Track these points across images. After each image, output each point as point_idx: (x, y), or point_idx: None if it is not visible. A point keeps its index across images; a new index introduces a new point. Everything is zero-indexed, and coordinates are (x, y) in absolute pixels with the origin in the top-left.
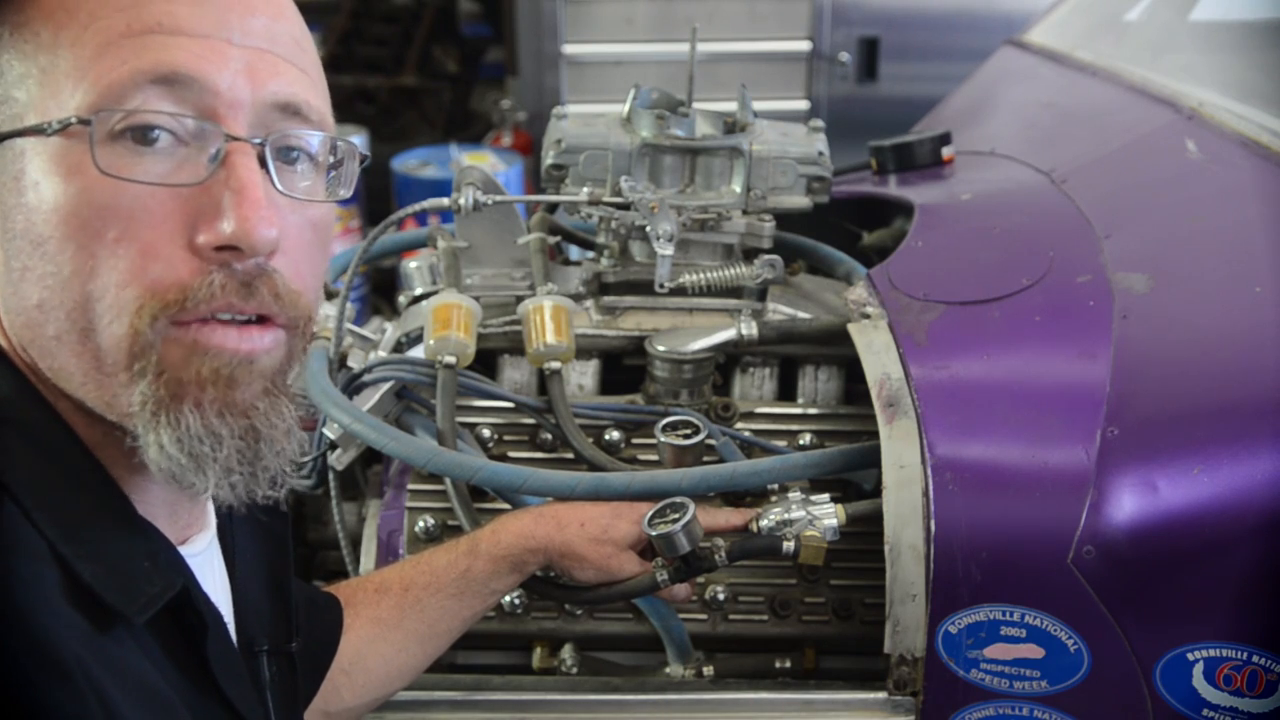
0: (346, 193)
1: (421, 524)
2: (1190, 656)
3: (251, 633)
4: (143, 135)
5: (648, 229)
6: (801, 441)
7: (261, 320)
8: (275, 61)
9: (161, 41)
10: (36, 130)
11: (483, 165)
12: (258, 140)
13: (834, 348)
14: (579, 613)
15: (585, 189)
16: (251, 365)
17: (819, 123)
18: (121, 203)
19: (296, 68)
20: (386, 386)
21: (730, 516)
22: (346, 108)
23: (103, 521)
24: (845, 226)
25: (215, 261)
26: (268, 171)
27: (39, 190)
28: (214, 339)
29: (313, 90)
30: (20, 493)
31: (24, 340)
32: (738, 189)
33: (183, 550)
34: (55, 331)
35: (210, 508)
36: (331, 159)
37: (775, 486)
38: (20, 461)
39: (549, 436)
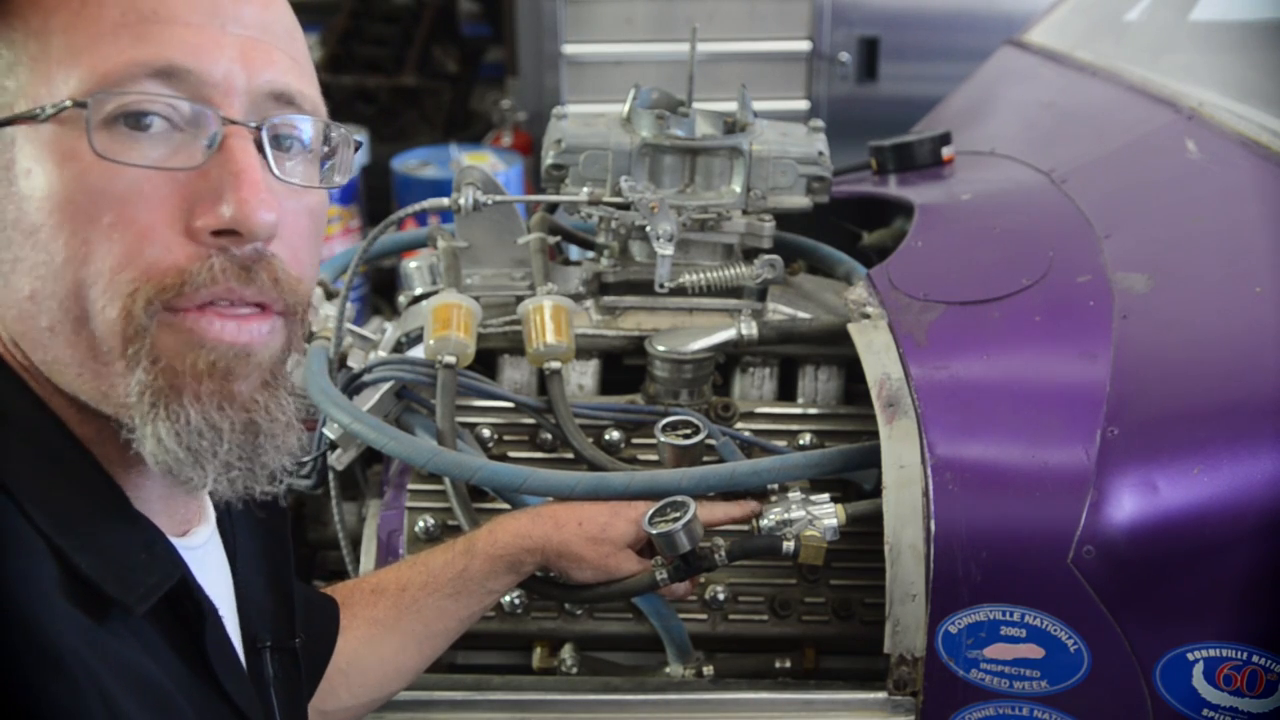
0: (342, 180)
1: (421, 524)
2: (1190, 656)
3: (254, 629)
4: (137, 120)
5: (648, 229)
6: (801, 441)
7: (260, 309)
8: (268, 49)
9: (157, 31)
10: (29, 117)
11: (483, 165)
12: (254, 124)
13: (834, 348)
14: (579, 613)
15: (585, 189)
16: (249, 357)
17: (819, 123)
18: (117, 187)
19: (288, 56)
20: (386, 386)
21: (729, 509)
22: (346, 108)
23: (97, 514)
24: (845, 226)
25: (213, 246)
26: (265, 157)
27: (31, 178)
28: (211, 330)
29: (304, 78)
30: (13, 486)
31: (15, 334)
32: (738, 189)
33: (181, 543)
34: (48, 322)
35: (209, 502)
36: (325, 147)
37: (775, 486)
38: (11, 455)
39: (549, 436)
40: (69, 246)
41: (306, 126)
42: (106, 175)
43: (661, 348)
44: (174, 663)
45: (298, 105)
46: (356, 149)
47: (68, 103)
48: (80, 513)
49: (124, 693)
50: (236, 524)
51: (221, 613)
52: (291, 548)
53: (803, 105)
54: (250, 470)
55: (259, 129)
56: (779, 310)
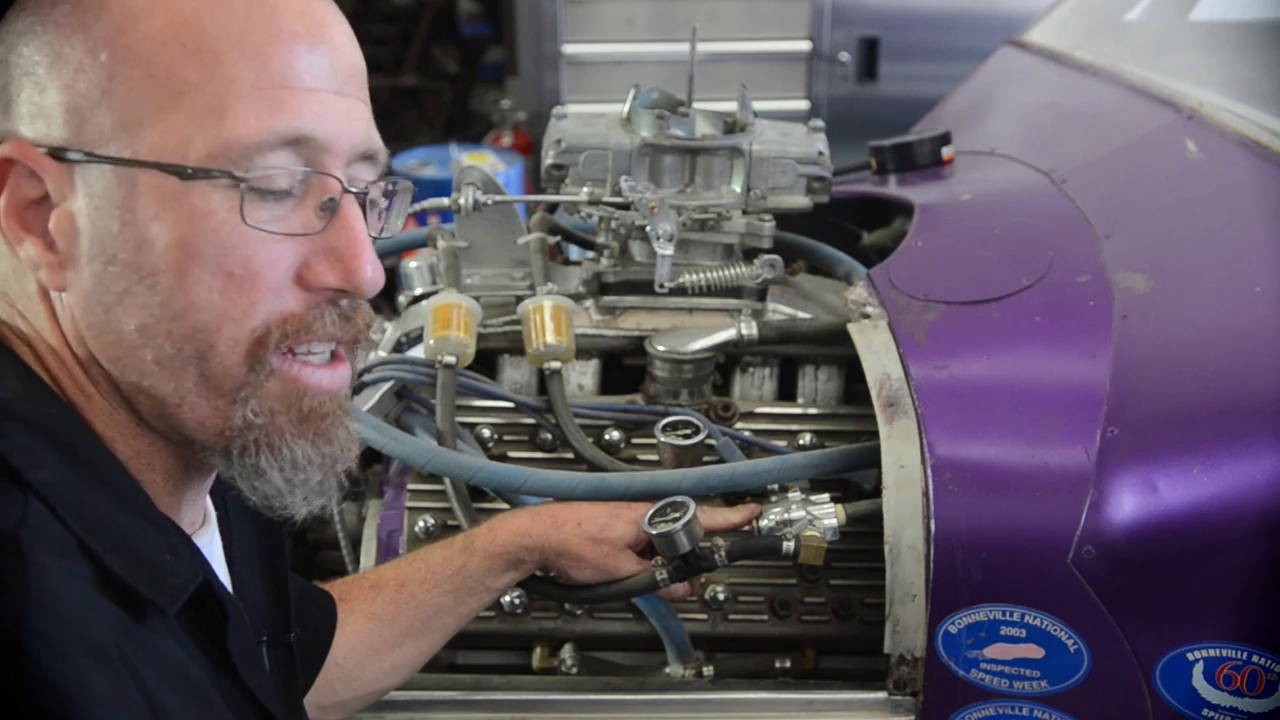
0: (399, 226)
1: (421, 524)
2: (1190, 656)
3: (251, 624)
4: (269, 189)
5: (648, 229)
6: (801, 441)
7: (334, 355)
8: (362, 108)
9: (290, 100)
10: (170, 170)
11: (483, 165)
12: (361, 191)
13: (834, 348)
14: (579, 613)
15: (585, 189)
16: (338, 399)
17: (819, 123)
18: (246, 246)
19: (368, 106)
20: (386, 386)
21: (730, 516)
22: None
23: (123, 516)
24: (845, 226)
25: (324, 298)
26: (364, 218)
27: (158, 225)
28: (312, 380)
29: (374, 126)
30: (44, 490)
31: (107, 357)
32: (738, 189)
33: None
34: (155, 356)
35: (209, 502)
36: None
37: (775, 486)
38: (40, 460)
39: (549, 436)
40: (193, 294)
41: (387, 186)
42: (238, 234)
43: (661, 348)
44: (201, 658)
45: (378, 161)
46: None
47: (222, 177)
48: (109, 515)
49: (164, 688)
50: (232, 520)
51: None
52: (286, 542)
53: (803, 105)
54: (322, 491)
55: (365, 194)
56: (779, 310)
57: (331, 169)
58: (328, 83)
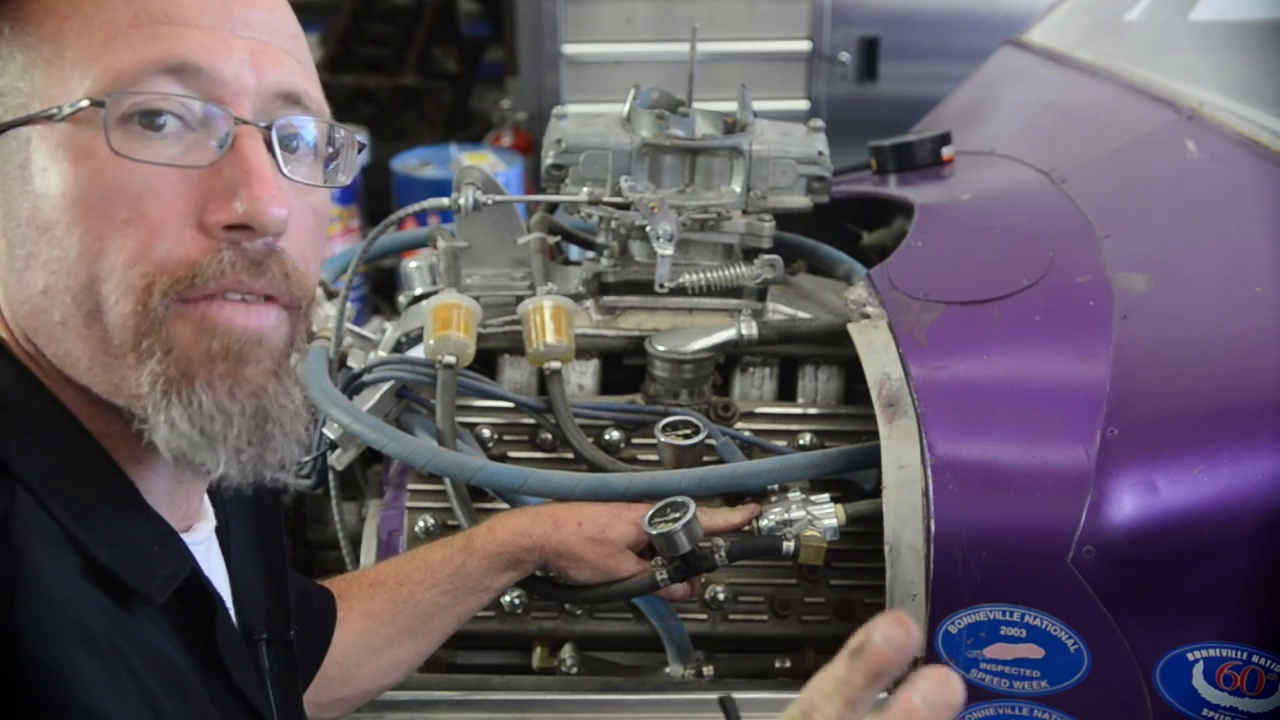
0: (346, 180)
1: (421, 524)
2: (1190, 656)
3: (250, 622)
4: (151, 120)
5: (648, 229)
6: (801, 441)
7: (267, 299)
8: (275, 52)
9: (169, 32)
10: (46, 117)
11: (483, 165)
12: (264, 124)
13: (834, 348)
14: (579, 613)
15: (585, 189)
16: (260, 343)
17: (819, 123)
18: (131, 183)
19: (294, 58)
20: (386, 386)
21: (730, 516)
22: (346, 108)
23: (111, 507)
24: (845, 226)
25: (225, 240)
26: (274, 156)
27: (46, 176)
28: (222, 315)
29: (310, 80)
30: (31, 482)
31: (29, 328)
32: (738, 189)
33: (185, 538)
34: (61, 316)
35: (208, 501)
36: (330, 148)
37: (775, 486)
38: (27, 451)
39: (549, 436)
40: (83, 242)
41: (312, 127)
42: (121, 172)
43: (661, 348)
44: (185, 652)
45: (304, 105)
46: (361, 149)
47: (85, 102)
48: (96, 506)
49: (149, 674)
50: (231, 519)
51: None
52: (286, 540)
53: (803, 105)
54: (260, 455)
55: (268, 128)
56: (779, 310)
57: (232, 104)
58: (220, 20)
